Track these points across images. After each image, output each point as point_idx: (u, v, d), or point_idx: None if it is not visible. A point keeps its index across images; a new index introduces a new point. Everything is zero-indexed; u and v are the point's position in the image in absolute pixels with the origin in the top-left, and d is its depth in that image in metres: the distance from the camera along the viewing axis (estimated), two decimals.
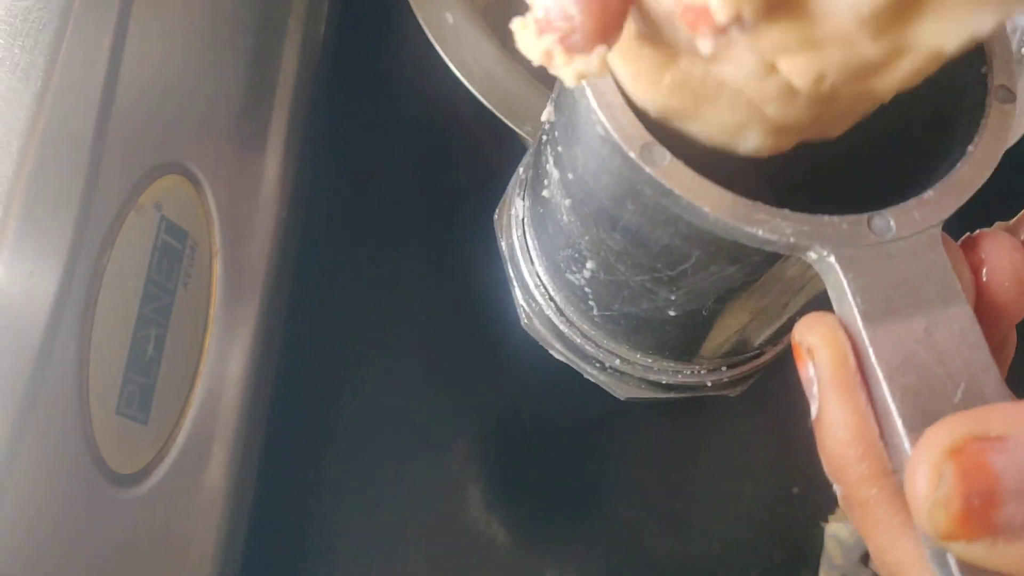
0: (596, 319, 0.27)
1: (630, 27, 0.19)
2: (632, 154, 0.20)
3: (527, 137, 0.37)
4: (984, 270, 0.21)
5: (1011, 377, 0.20)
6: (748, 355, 0.29)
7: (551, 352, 0.30)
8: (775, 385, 0.52)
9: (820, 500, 0.50)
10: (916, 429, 0.18)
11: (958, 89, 0.22)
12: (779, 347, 0.30)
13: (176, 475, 0.35)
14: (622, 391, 0.29)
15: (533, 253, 0.29)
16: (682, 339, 0.26)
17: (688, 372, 0.28)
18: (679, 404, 0.52)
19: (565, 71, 0.18)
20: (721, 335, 0.26)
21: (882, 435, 0.19)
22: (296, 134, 0.44)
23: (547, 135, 0.24)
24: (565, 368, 0.51)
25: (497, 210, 0.32)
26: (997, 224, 0.22)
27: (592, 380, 0.30)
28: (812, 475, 0.51)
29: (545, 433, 0.51)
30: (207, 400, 0.37)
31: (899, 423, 0.18)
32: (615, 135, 0.20)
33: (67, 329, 0.30)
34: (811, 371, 0.20)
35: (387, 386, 0.51)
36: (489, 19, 0.51)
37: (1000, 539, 0.16)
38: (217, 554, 0.37)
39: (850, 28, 0.17)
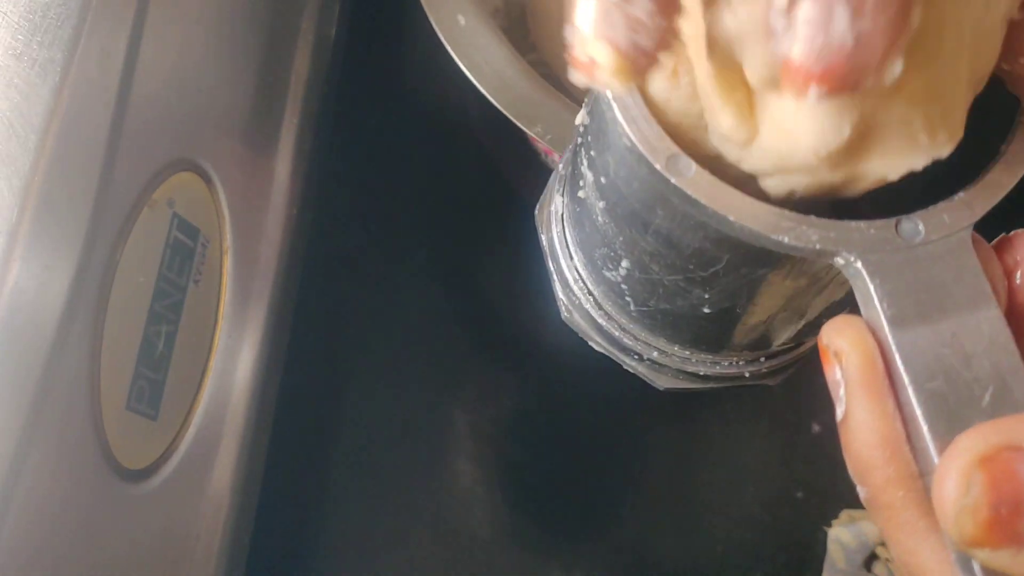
0: (633, 314, 0.27)
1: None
2: (658, 165, 0.20)
3: (537, 139, 0.37)
4: (1018, 273, 0.21)
5: None
6: (786, 348, 0.29)
7: (591, 343, 0.30)
8: (778, 389, 0.52)
9: (823, 504, 0.50)
10: (942, 434, 0.18)
11: (989, 90, 0.22)
12: (816, 336, 0.30)
13: (184, 471, 0.35)
14: (661, 381, 0.30)
15: (572, 248, 0.29)
16: (719, 334, 0.26)
17: (726, 364, 0.28)
18: (682, 407, 0.52)
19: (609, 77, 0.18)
20: (757, 330, 0.26)
21: (909, 439, 0.19)
22: (308, 133, 0.44)
23: (581, 138, 0.25)
24: (568, 375, 0.51)
25: (538, 205, 0.32)
26: None
27: (631, 371, 0.30)
28: (815, 479, 0.51)
29: (550, 437, 0.51)
30: (216, 397, 0.37)
31: (926, 428, 0.18)
32: (640, 147, 0.20)
33: (80, 323, 0.30)
34: (838, 374, 0.20)
35: (394, 386, 0.51)
36: (498, 21, 0.51)
37: None
38: (223, 550, 0.38)
39: (811, 162, 0.19)
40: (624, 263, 0.25)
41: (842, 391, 0.20)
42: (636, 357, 0.29)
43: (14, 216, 0.28)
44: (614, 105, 0.20)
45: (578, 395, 0.52)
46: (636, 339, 0.29)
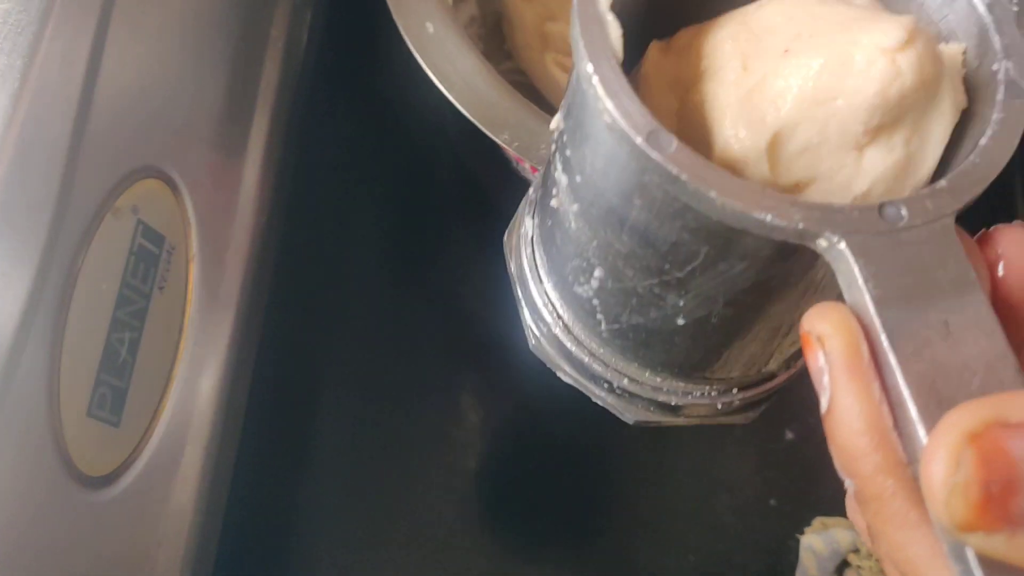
0: (604, 334, 0.27)
1: None
2: (638, 140, 0.19)
3: (505, 146, 0.37)
4: (1000, 265, 0.20)
5: None
6: (760, 379, 0.28)
7: (559, 374, 0.29)
8: None
9: (796, 512, 0.50)
10: (931, 418, 0.17)
11: (972, 85, 0.22)
12: (791, 371, 0.29)
13: (147, 479, 0.35)
14: (631, 414, 0.29)
15: (542, 271, 0.28)
16: (691, 352, 0.26)
17: (698, 393, 0.28)
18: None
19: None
20: (730, 348, 0.25)
21: (896, 426, 0.18)
22: (276, 141, 0.44)
23: (556, 143, 0.24)
24: (542, 384, 0.51)
25: (506, 233, 0.31)
26: (1017, 222, 0.22)
27: (600, 403, 0.29)
28: (788, 487, 0.51)
29: (523, 445, 0.51)
30: (181, 404, 0.37)
31: (914, 411, 0.17)
32: (622, 122, 0.20)
33: (39, 330, 0.30)
34: (821, 360, 0.19)
35: (365, 394, 0.51)
36: (474, 30, 0.51)
37: (1020, 530, 0.16)
38: (188, 559, 0.37)
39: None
40: (597, 272, 0.25)
41: (826, 378, 0.19)
42: (606, 386, 0.28)
43: None
44: (595, 80, 0.20)
45: (552, 403, 0.52)
46: (606, 366, 0.28)
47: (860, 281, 0.18)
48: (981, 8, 0.22)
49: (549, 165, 0.25)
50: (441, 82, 0.38)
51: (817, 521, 0.50)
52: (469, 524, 0.49)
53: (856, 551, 0.48)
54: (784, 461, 0.51)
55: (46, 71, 0.30)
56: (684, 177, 0.19)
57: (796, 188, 0.22)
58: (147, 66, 0.35)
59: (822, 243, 0.19)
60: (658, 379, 0.28)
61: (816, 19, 0.22)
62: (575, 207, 0.24)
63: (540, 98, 0.49)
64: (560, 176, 0.24)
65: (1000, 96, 0.21)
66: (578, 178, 0.23)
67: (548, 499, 0.50)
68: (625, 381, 0.28)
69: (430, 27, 0.39)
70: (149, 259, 0.35)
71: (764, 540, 0.50)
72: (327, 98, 0.54)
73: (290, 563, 0.47)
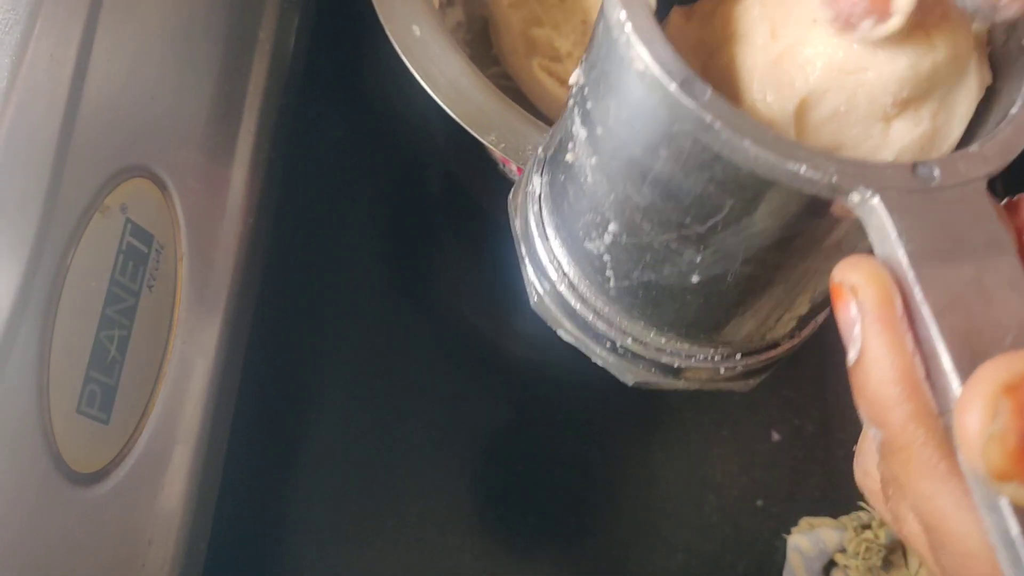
0: (612, 292, 0.26)
1: None
2: (672, 87, 0.19)
3: (491, 147, 0.38)
4: None
5: None
6: (764, 345, 0.28)
7: (560, 333, 0.28)
8: (739, 398, 0.53)
9: (783, 512, 0.51)
10: (965, 370, 0.17)
11: (997, 63, 0.22)
12: (795, 341, 0.29)
13: (137, 476, 0.35)
14: (631, 375, 0.28)
15: (549, 228, 0.28)
16: (701, 313, 0.25)
17: (701, 357, 0.27)
18: (643, 416, 0.52)
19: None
20: (741, 311, 0.25)
21: (927, 377, 0.18)
22: (264, 142, 0.44)
23: (575, 98, 0.24)
24: (530, 384, 0.51)
25: (511, 192, 0.31)
26: None
27: (600, 363, 0.28)
28: (775, 487, 0.51)
29: (511, 446, 0.51)
30: (170, 402, 0.37)
31: (947, 363, 0.17)
32: (655, 69, 0.19)
33: (28, 327, 0.30)
34: (853, 310, 0.19)
35: (353, 394, 0.51)
36: (460, 35, 0.52)
37: None
38: (177, 556, 0.37)
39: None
40: (611, 227, 0.24)
41: (856, 329, 0.19)
42: (608, 345, 0.28)
43: None
44: (629, 27, 0.20)
45: (540, 404, 0.52)
46: (610, 325, 0.27)
47: (894, 235, 0.18)
48: None
49: (565, 120, 0.25)
50: (428, 84, 0.39)
51: (804, 521, 0.50)
52: (459, 525, 0.49)
53: (843, 551, 0.48)
54: (770, 462, 0.52)
55: (34, 69, 0.30)
56: (718, 125, 0.19)
57: None
58: (135, 66, 0.35)
59: (854, 198, 0.19)
60: (662, 340, 0.27)
61: None
62: (593, 160, 0.23)
63: (526, 103, 0.49)
64: (578, 130, 0.24)
65: None
66: (599, 130, 0.23)
67: (538, 499, 0.50)
68: (628, 341, 0.27)
69: (416, 30, 0.40)
70: (138, 258, 0.35)
71: (751, 540, 0.50)
72: (314, 100, 0.54)
73: (279, 561, 0.47)
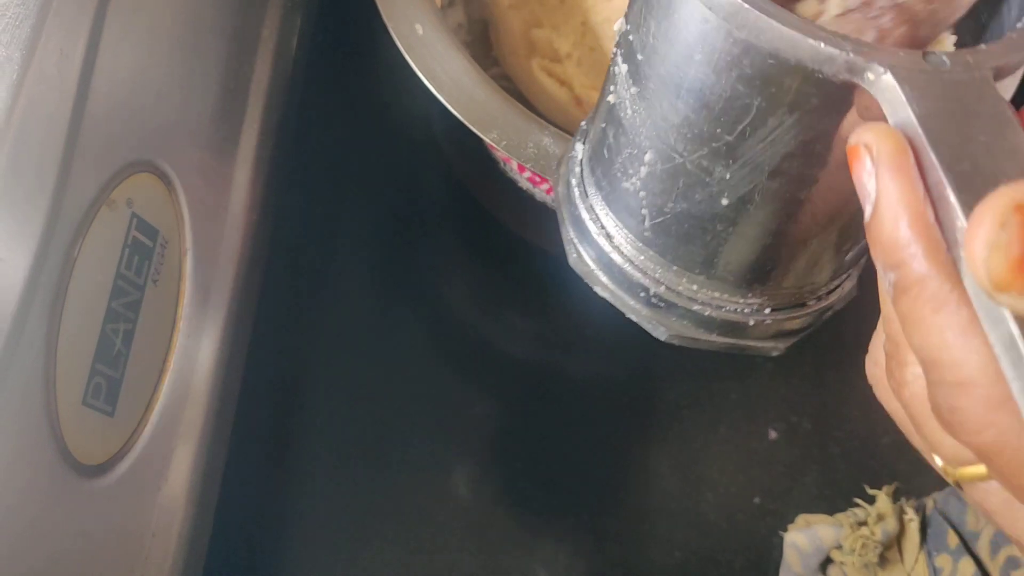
0: (647, 233, 0.28)
1: None
2: None
3: (493, 145, 0.38)
4: None
5: None
6: (792, 302, 0.29)
7: (596, 288, 0.30)
8: (737, 396, 0.53)
9: (780, 510, 0.51)
10: (971, 207, 0.18)
11: None
12: (822, 303, 0.30)
13: (141, 468, 0.36)
14: (664, 327, 0.30)
15: (588, 186, 0.30)
16: (731, 245, 0.27)
17: (732, 307, 0.29)
18: (641, 416, 0.52)
19: None
20: (768, 240, 0.26)
21: (937, 220, 0.19)
22: (268, 139, 0.45)
23: (618, 44, 0.26)
24: (529, 384, 0.52)
25: (555, 164, 0.33)
26: None
27: (634, 317, 0.30)
28: (772, 485, 0.52)
29: (508, 444, 0.52)
30: (175, 395, 0.38)
31: (954, 199, 0.19)
32: None
33: (35, 319, 0.30)
34: (868, 165, 0.20)
35: (356, 390, 0.51)
36: (461, 37, 0.52)
37: None
38: (180, 548, 0.38)
39: None
40: (647, 156, 0.26)
41: (871, 183, 0.20)
42: (642, 296, 0.29)
43: None
44: None
45: (538, 403, 0.52)
46: (644, 273, 0.29)
47: (907, 102, 0.20)
48: None
49: (610, 68, 0.27)
50: (430, 82, 0.39)
51: (801, 518, 0.50)
52: (457, 523, 0.49)
53: (839, 548, 0.48)
54: (768, 460, 0.52)
55: (44, 64, 0.31)
56: (748, 6, 0.21)
57: None
58: (142, 62, 0.36)
59: (869, 76, 0.21)
60: (694, 286, 0.28)
61: None
62: (633, 90, 0.26)
63: (526, 103, 0.50)
64: (620, 68, 0.26)
65: None
66: (639, 56, 0.25)
67: (535, 498, 0.51)
68: (662, 289, 0.29)
69: (419, 29, 0.40)
70: (143, 252, 0.36)
71: (748, 538, 0.51)
72: (317, 98, 0.54)
73: (281, 553, 0.47)
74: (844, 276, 0.30)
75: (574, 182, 0.31)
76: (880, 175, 0.20)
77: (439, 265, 0.55)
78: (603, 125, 0.28)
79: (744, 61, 0.22)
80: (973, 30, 0.26)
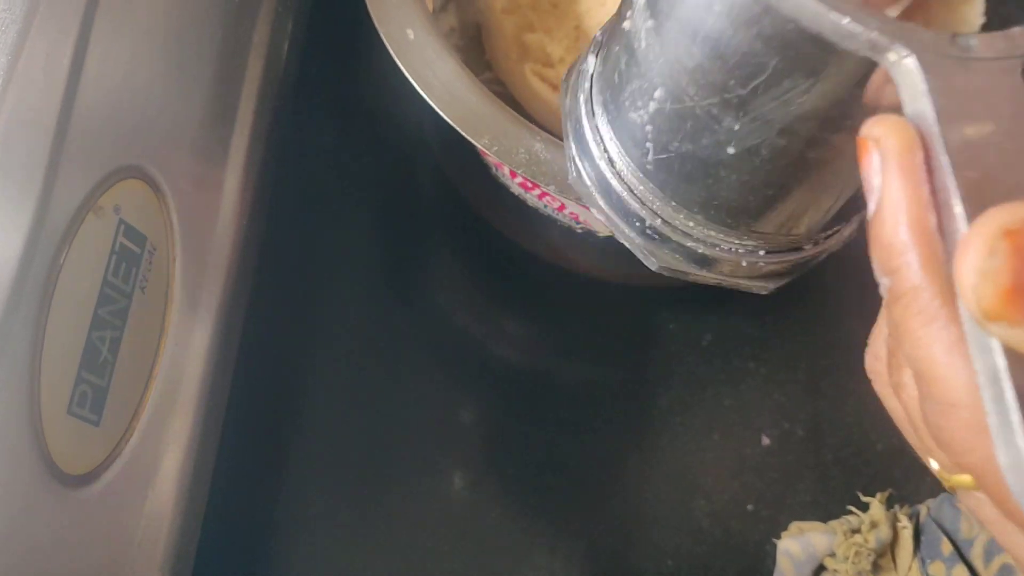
0: (649, 165, 0.27)
1: None
2: None
3: (485, 150, 0.38)
4: None
5: None
6: (787, 245, 0.29)
7: (592, 210, 0.30)
8: (730, 403, 0.53)
9: (773, 517, 0.51)
10: (975, 216, 0.18)
11: None
12: (817, 248, 0.30)
13: (127, 478, 0.35)
14: (656, 259, 0.29)
15: (597, 105, 0.29)
16: (732, 192, 0.26)
17: (726, 247, 0.28)
18: (633, 420, 0.52)
19: None
20: (770, 192, 0.26)
21: (940, 228, 0.19)
22: (258, 145, 0.44)
23: None
24: (521, 388, 0.51)
25: (565, 73, 0.32)
26: None
27: (627, 244, 0.29)
28: (765, 492, 0.52)
29: (499, 449, 0.51)
30: (162, 404, 0.37)
31: (959, 209, 0.18)
32: None
33: (19, 327, 0.30)
34: (875, 161, 0.20)
35: (346, 397, 0.51)
36: (453, 41, 0.52)
37: None
38: (167, 559, 0.37)
39: None
40: (658, 93, 0.25)
41: (877, 179, 0.20)
42: (637, 225, 0.29)
43: None
44: None
45: (530, 408, 0.52)
46: (643, 203, 0.28)
47: (924, 92, 0.19)
48: None
49: None
50: (422, 87, 0.39)
51: (794, 526, 0.50)
52: (449, 530, 0.49)
53: (832, 555, 0.48)
54: (760, 466, 0.52)
55: (30, 69, 0.30)
56: None
57: None
58: (130, 67, 0.35)
59: (891, 56, 0.20)
60: (691, 224, 0.28)
61: None
62: (649, 23, 0.25)
63: (518, 108, 0.50)
64: None
65: None
66: None
67: (527, 503, 0.50)
68: (658, 222, 0.28)
69: (411, 34, 0.40)
70: (131, 259, 0.35)
71: (741, 545, 0.50)
72: (308, 103, 0.54)
73: (269, 564, 0.47)
74: (844, 223, 0.30)
75: (582, 98, 0.30)
76: (886, 173, 0.19)
77: (431, 271, 0.55)
78: (616, 49, 0.27)
79: (764, 20, 0.21)
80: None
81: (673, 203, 0.28)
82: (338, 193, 0.55)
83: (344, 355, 0.52)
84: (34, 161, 0.30)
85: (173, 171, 0.38)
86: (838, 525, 0.49)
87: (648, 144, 0.27)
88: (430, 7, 0.44)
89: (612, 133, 0.29)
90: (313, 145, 0.56)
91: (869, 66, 0.21)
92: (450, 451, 0.51)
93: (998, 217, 0.17)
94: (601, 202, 0.29)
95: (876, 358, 0.27)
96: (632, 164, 0.28)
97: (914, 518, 0.49)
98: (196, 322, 0.40)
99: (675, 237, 0.28)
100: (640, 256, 0.30)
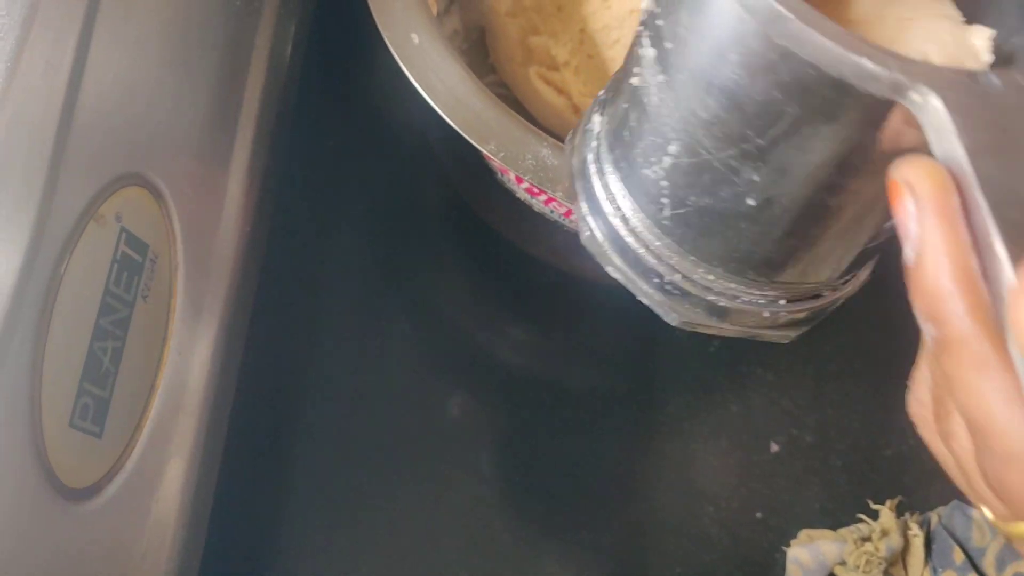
0: (666, 222, 0.27)
1: None
2: None
3: (490, 156, 0.38)
4: None
5: None
6: (808, 293, 0.28)
7: (608, 269, 0.29)
8: (738, 409, 0.53)
9: (782, 525, 0.50)
10: (1020, 261, 0.17)
11: None
12: (837, 293, 0.29)
13: (130, 491, 0.35)
14: (677, 314, 0.29)
15: (606, 163, 0.29)
16: (753, 244, 0.26)
17: (747, 299, 0.28)
18: (641, 428, 0.52)
19: None
20: (791, 242, 0.26)
21: (982, 271, 0.18)
22: (261, 151, 0.44)
23: (644, 24, 0.25)
24: (524, 394, 0.51)
25: (570, 134, 0.32)
26: None
27: (646, 301, 0.29)
28: (774, 499, 0.51)
29: (504, 455, 0.51)
30: (164, 415, 0.37)
31: (1002, 252, 0.17)
32: None
33: (20, 338, 0.29)
34: (909, 206, 0.19)
35: (350, 406, 0.51)
36: (456, 44, 0.52)
37: None
38: (171, 572, 0.37)
39: None
40: (672, 148, 0.25)
41: (913, 225, 0.19)
42: (656, 282, 0.28)
43: None
44: None
45: (537, 415, 0.52)
46: (660, 259, 0.28)
47: (952, 131, 0.19)
48: None
49: (633, 47, 0.26)
50: (427, 93, 0.38)
51: (803, 533, 0.50)
52: (455, 538, 0.49)
53: (842, 563, 0.48)
54: (769, 473, 0.52)
55: (29, 76, 0.30)
56: (790, 15, 0.19)
57: None
58: (131, 73, 0.35)
59: (914, 96, 0.19)
60: (711, 277, 0.28)
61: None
62: (660, 78, 0.24)
63: (522, 112, 0.49)
64: (647, 51, 0.25)
65: None
66: (668, 44, 0.23)
67: (533, 511, 0.50)
68: (677, 277, 0.28)
69: (415, 38, 0.39)
70: (133, 268, 0.35)
71: (750, 553, 0.50)
72: (312, 108, 0.54)
73: (276, 570, 0.47)
74: (863, 266, 0.30)
75: (590, 157, 0.29)
76: (923, 219, 0.19)
77: (436, 277, 0.55)
78: (625, 106, 0.27)
79: (781, 67, 0.20)
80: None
81: (692, 257, 0.27)
82: (341, 198, 0.55)
83: (348, 360, 0.51)
84: (34, 170, 0.30)
85: (175, 178, 0.37)
86: (848, 533, 0.49)
87: (664, 199, 0.26)
88: (434, 10, 0.43)
89: (625, 190, 0.28)
90: (316, 150, 0.55)
91: (891, 106, 0.20)
92: (456, 458, 0.50)
93: None
94: (617, 260, 0.29)
95: (920, 404, 0.26)
96: (648, 220, 0.28)
97: (925, 526, 0.49)
98: (199, 331, 0.39)
99: (695, 291, 0.28)
100: (660, 312, 0.29)
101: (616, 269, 0.29)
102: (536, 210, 0.46)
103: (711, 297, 0.28)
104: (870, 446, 0.52)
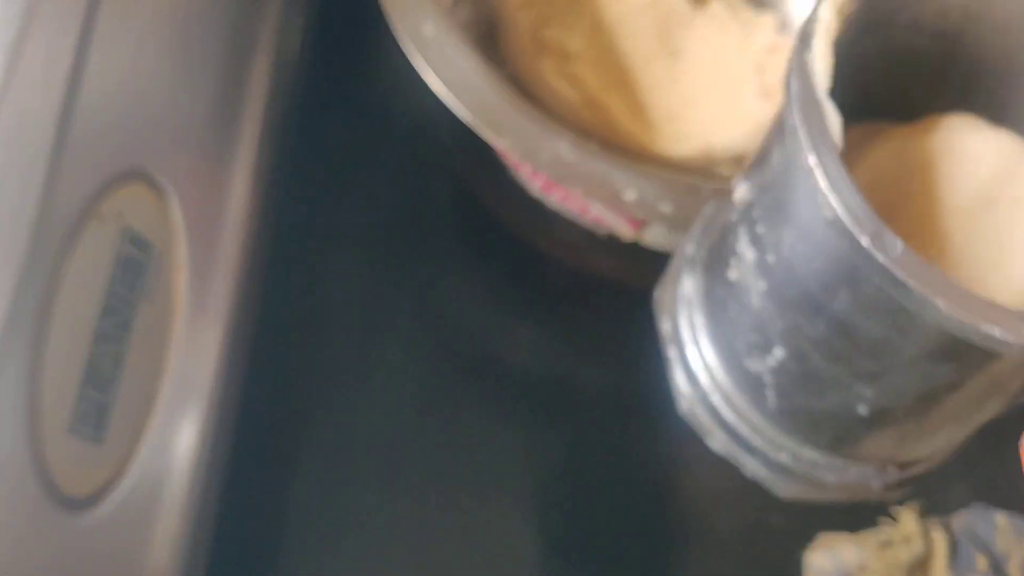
0: (770, 410, 0.26)
1: None
2: (864, 240, 0.19)
3: (507, 151, 0.37)
4: None
5: None
6: (918, 458, 0.28)
7: (709, 442, 0.29)
8: None
9: (800, 530, 0.49)
10: None
11: None
12: (947, 453, 0.29)
13: (133, 499, 0.34)
14: (784, 489, 0.29)
15: (703, 337, 0.28)
16: (864, 436, 0.25)
17: (856, 472, 0.28)
18: (656, 425, 0.51)
19: None
20: (908, 435, 0.25)
21: None
22: (267, 146, 0.43)
23: (741, 216, 0.24)
24: (539, 401, 0.51)
25: (657, 288, 0.30)
26: None
27: (751, 476, 0.29)
28: (791, 503, 0.50)
29: (515, 466, 0.50)
30: (168, 420, 0.36)
31: None
32: (846, 220, 0.19)
33: (18, 342, 0.29)
34: None
35: (361, 410, 0.50)
36: (470, 34, 0.51)
37: None
38: None
39: None
40: (777, 351, 0.24)
41: None
42: (761, 459, 0.28)
43: None
44: (819, 172, 0.19)
45: (549, 420, 0.51)
46: (765, 439, 0.27)
47: None
48: None
49: (729, 235, 0.25)
50: (439, 86, 0.38)
51: (822, 538, 0.49)
52: (466, 547, 0.48)
53: (862, 568, 0.47)
54: None
55: (29, 70, 0.29)
56: (911, 283, 0.18)
57: None
58: (134, 67, 0.35)
59: None
60: (818, 455, 0.27)
61: None
62: (762, 285, 0.23)
63: (535, 104, 0.49)
64: (745, 250, 0.23)
65: None
66: (770, 258, 0.22)
67: (545, 516, 0.49)
68: (783, 456, 0.28)
69: (427, 29, 0.39)
70: (135, 267, 0.34)
71: (767, 558, 0.49)
72: (319, 102, 0.53)
73: None
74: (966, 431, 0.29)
75: (684, 325, 0.28)
76: None
77: (447, 276, 0.54)
78: (722, 293, 0.26)
79: (900, 316, 0.19)
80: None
81: (799, 439, 0.27)
82: (350, 195, 0.55)
83: (358, 361, 0.51)
84: (33, 166, 0.29)
85: (178, 175, 0.37)
86: (868, 537, 0.48)
87: (769, 392, 0.26)
88: (447, 1, 0.43)
89: (726, 374, 0.27)
90: (324, 145, 0.55)
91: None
92: (464, 462, 0.50)
93: None
94: (719, 435, 0.29)
95: None
96: (751, 404, 0.27)
97: (947, 530, 0.48)
98: (204, 332, 0.39)
99: (801, 469, 0.28)
100: (766, 486, 0.29)
101: (717, 442, 0.29)
102: (550, 208, 0.46)
103: (819, 473, 0.28)
104: None
